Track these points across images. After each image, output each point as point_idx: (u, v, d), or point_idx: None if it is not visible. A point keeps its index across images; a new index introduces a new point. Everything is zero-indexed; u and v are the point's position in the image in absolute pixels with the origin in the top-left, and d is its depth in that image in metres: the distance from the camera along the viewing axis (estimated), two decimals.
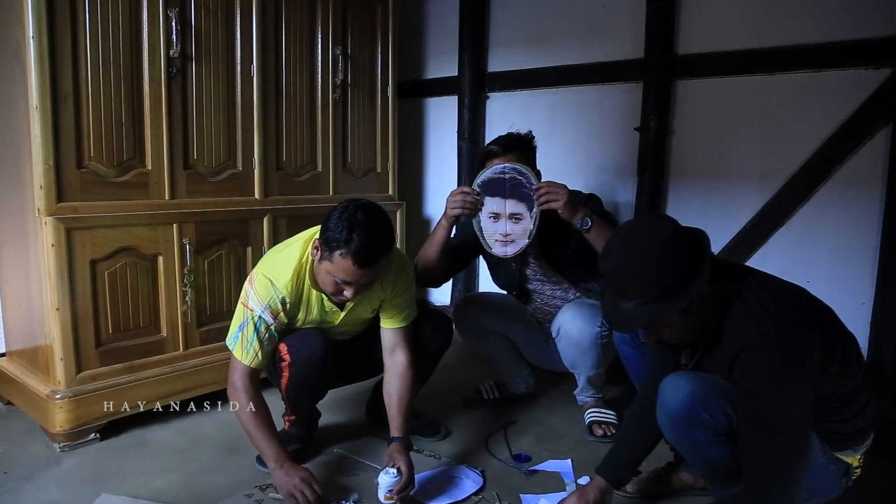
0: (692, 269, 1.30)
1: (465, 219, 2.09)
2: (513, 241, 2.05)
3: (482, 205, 2.05)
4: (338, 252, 1.56)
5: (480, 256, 2.39)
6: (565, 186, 1.99)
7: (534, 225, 2.02)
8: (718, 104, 2.65)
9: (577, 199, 2.03)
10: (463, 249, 2.23)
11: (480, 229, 2.08)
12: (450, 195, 2.08)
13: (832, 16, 2.35)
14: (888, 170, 2.28)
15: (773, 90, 2.51)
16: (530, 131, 2.19)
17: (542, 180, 2.03)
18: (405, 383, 1.84)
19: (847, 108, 2.35)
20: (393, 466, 1.67)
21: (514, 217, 2.04)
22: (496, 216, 2.05)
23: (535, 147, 2.18)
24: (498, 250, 2.08)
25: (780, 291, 1.36)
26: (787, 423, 1.27)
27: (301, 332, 1.81)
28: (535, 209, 2.01)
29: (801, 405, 1.28)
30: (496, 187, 2.04)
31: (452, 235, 2.17)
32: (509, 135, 2.15)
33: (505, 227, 2.05)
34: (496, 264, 2.34)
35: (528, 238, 2.04)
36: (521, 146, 2.10)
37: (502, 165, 2.02)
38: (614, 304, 1.38)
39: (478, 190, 2.05)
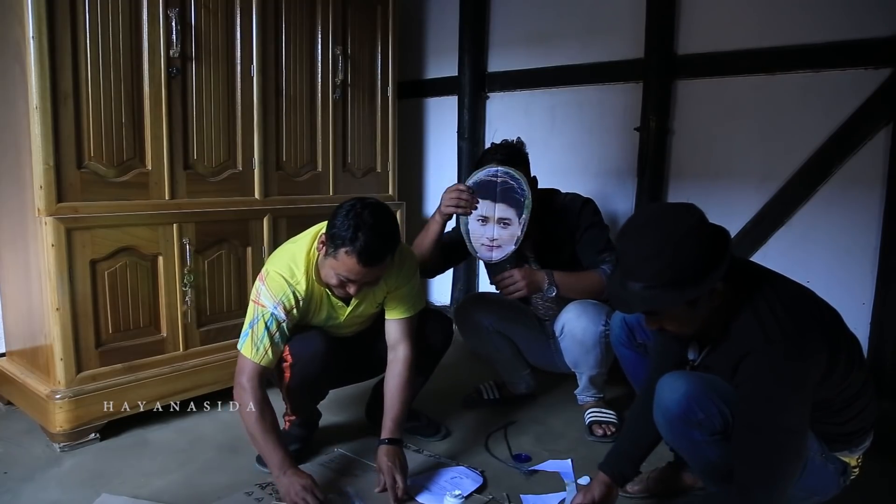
0: (708, 264, 1.28)
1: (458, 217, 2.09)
2: (499, 246, 2.05)
3: (476, 205, 2.04)
4: (343, 250, 1.57)
5: None
6: (522, 270, 2.05)
7: (521, 231, 2.02)
8: (718, 104, 2.65)
9: (538, 277, 2.07)
10: (458, 245, 2.21)
11: (467, 232, 2.08)
12: (446, 191, 2.08)
13: (832, 16, 2.35)
14: (888, 170, 2.27)
15: (773, 90, 2.51)
16: (519, 138, 2.17)
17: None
18: (400, 381, 1.83)
19: (847, 108, 2.35)
20: (454, 494, 1.71)
21: (503, 222, 2.04)
22: (484, 219, 2.05)
23: (527, 154, 2.16)
24: (483, 255, 2.08)
25: (792, 299, 1.34)
26: (782, 431, 1.27)
27: (303, 333, 1.80)
28: (524, 215, 2.01)
29: (799, 414, 1.28)
30: (487, 190, 2.03)
31: (449, 230, 2.18)
32: (505, 145, 2.13)
33: (493, 232, 2.05)
34: (492, 265, 2.34)
35: (515, 244, 2.04)
36: (517, 161, 2.07)
37: (495, 168, 2.02)
38: (622, 283, 1.36)
39: (473, 189, 2.04)
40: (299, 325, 1.81)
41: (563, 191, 2.28)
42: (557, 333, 2.20)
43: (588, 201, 2.20)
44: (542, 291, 2.08)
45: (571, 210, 2.17)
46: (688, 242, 1.27)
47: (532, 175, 2.11)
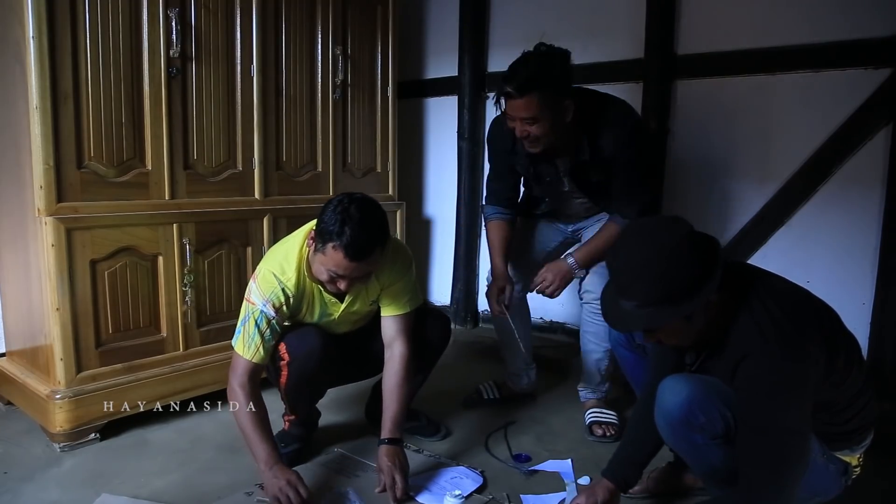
0: (700, 277, 1.27)
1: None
2: None
3: None
4: (330, 244, 1.58)
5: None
6: (550, 271, 2.10)
7: None
8: (718, 104, 2.65)
9: (565, 269, 2.10)
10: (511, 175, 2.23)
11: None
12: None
13: (832, 16, 2.35)
14: (888, 170, 2.28)
15: (773, 90, 2.51)
16: (567, 50, 1.88)
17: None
18: (396, 380, 1.84)
19: (847, 108, 2.35)
20: (454, 494, 1.72)
21: None
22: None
23: (568, 68, 1.87)
24: None
25: (787, 300, 1.34)
26: (784, 431, 1.26)
27: (300, 330, 1.81)
28: None
29: (800, 414, 1.28)
30: None
31: (491, 168, 2.30)
32: (530, 61, 1.82)
33: None
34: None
35: None
36: (542, 84, 1.80)
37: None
38: (615, 301, 1.35)
39: None
40: (294, 323, 1.82)
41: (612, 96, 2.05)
42: (581, 298, 2.23)
43: (639, 123, 2.02)
44: (575, 277, 2.13)
45: (617, 130, 1.95)
46: (679, 257, 1.27)
47: (572, 92, 1.89)
